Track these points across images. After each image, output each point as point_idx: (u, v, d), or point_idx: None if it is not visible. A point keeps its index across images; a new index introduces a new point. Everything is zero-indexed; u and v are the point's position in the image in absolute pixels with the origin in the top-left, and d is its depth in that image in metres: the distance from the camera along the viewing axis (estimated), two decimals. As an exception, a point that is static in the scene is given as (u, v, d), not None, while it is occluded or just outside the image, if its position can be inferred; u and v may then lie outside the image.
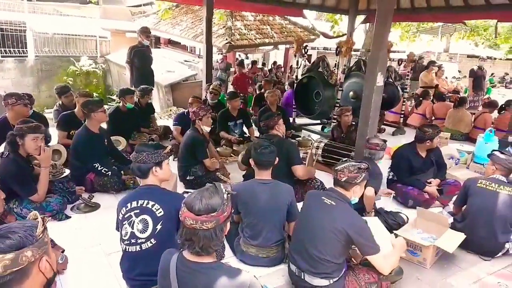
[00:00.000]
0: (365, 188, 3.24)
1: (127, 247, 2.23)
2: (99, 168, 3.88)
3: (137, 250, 2.20)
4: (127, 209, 2.24)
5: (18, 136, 3.10)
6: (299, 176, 3.69)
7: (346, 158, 2.59)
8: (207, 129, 4.11)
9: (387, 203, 3.97)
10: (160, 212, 2.19)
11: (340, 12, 9.46)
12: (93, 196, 3.69)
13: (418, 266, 2.97)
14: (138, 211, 2.21)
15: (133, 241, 2.20)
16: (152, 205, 2.21)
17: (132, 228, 2.20)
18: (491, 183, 3.14)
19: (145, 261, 2.19)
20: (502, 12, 6.66)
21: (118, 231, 2.32)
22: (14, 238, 1.23)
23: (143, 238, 2.19)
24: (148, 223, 2.19)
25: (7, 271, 1.20)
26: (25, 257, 1.23)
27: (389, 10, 4.03)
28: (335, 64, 7.25)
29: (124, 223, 2.23)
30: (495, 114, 7.37)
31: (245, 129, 6.03)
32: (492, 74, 19.14)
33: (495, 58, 23.66)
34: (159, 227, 2.18)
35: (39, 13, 12.49)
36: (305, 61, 7.46)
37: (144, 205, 2.21)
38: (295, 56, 7.22)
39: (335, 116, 5.91)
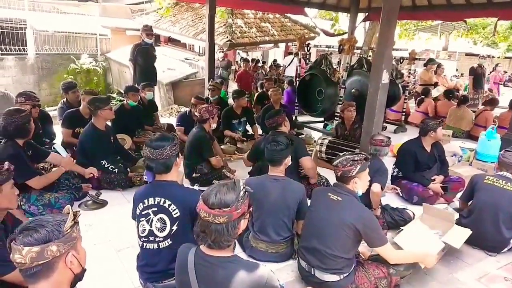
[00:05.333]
0: (371, 184, 3.30)
1: (144, 243, 2.23)
2: (105, 166, 3.89)
3: (154, 248, 2.21)
4: (144, 205, 2.22)
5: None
6: (307, 167, 3.67)
7: (344, 152, 2.54)
8: (214, 125, 4.14)
9: (392, 199, 4.01)
10: (176, 213, 2.17)
11: (341, 10, 9.46)
12: (101, 193, 3.70)
13: (425, 262, 3.00)
14: (156, 209, 2.19)
15: (151, 238, 2.21)
16: (169, 205, 2.18)
17: (151, 226, 2.20)
18: (498, 180, 3.17)
19: (165, 259, 2.19)
20: (503, 10, 6.69)
21: (134, 220, 2.32)
22: (41, 232, 1.25)
23: (161, 237, 2.19)
24: (166, 222, 2.18)
25: (33, 263, 1.24)
26: (50, 251, 1.25)
27: (394, 8, 4.05)
28: (338, 61, 7.30)
29: (141, 219, 2.23)
30: (495, 111, 7.40)
31: (248, 127, 6.04)
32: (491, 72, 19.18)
33: (493, 57, 23.72)
34: (175, 228, 2.17)
35: (39, 10, 12.39)
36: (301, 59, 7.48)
37: (162, 203, 2.19)
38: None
39: (338, 113, 5.93)
